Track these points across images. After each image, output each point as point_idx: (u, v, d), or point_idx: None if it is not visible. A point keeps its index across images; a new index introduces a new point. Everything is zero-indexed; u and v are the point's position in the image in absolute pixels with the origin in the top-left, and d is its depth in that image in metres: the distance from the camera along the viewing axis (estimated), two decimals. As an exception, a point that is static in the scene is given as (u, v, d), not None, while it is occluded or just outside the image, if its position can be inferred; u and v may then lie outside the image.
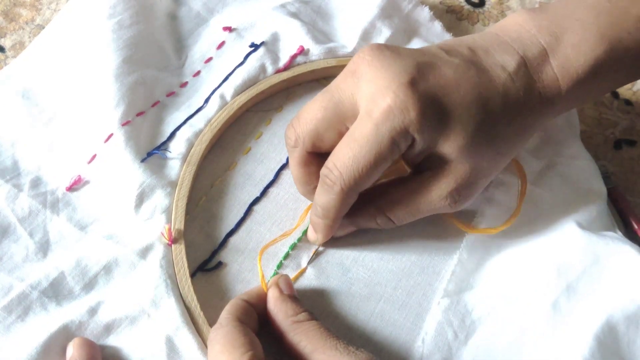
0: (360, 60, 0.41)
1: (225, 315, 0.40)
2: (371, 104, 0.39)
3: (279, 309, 0.41)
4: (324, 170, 0.41)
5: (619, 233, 0.47)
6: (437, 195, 0.42)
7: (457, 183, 0.41)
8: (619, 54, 0.42)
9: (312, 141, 0.42)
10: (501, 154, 0.43)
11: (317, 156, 0.43)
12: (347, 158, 0.40)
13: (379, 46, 0.41)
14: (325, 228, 0.44)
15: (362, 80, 0.40)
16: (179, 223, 0.45)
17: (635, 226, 0.50)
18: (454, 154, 0.41)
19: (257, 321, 0.41)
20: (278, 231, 0.47)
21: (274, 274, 0.45)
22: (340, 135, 0.41)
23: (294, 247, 0.46)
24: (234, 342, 0.37)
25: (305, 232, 0.46)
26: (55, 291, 0.42)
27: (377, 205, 0.44)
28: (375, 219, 0.44)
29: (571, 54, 0.42)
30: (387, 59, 0.40)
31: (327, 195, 0.42)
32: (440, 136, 0.40)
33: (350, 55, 0.53)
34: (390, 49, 0.41)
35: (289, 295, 0.42)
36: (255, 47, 0.53)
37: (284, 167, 0.49)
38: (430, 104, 0.39)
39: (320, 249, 0.46)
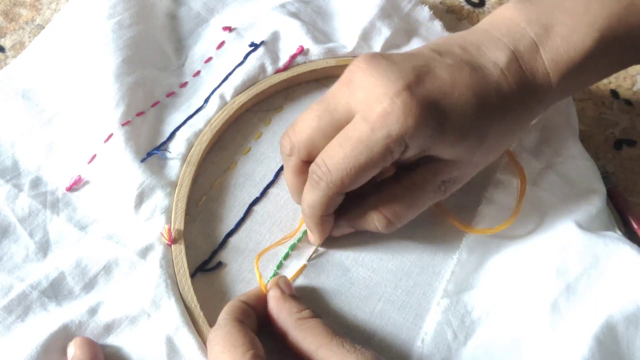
0: (356, 69, 0.40)
1: (224, 316, 0.40)
2: (368, 109, 0.39)
3: (282, 307, 0.41)
4: (312, 166, 0.41)
5: (619, 233, 0.47)
6: (431, 189, 0.43)
7: (450, 176, 0.42)
8: (609, 41, 0.42)
9: (307, 150, 0.42)
10: (492, 148, 0.43)
11: None
12: (337, 156, 0.39)
13: (374, 55, 0.41)
14: (316, 227, 0.44)
15: (357, 88, 0.40)
16: (178, 223, 0.45)
17: (635, 226, 0.50)
18: (446, 154, 0.41)
19: (256, 322, 0.41)
20: (278, 231, 0.47)
21: (274, 274, 0.45)
22: None
23: (293, 247, 0.46)
24: (234, 341, 0.37)
25: (305, 233, 0.47)
26: (55, 291, 0.42)
27: (372, 204, 0.43)
28: (373, 219, 0.43)
29: (561, 47, 0.42)
30: (383, 66, 0.40)
31: (312, 191, 0.41)
32: (435, 141, 0.40)
33: (350, 55, 0.53)
34: (385, 57, 0.41)
35: (290, 295, 0.42)
36: (255, 46, 0.53)
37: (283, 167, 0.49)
38: (428, 110, 0.39)
39: (320, 249, 0.46)
